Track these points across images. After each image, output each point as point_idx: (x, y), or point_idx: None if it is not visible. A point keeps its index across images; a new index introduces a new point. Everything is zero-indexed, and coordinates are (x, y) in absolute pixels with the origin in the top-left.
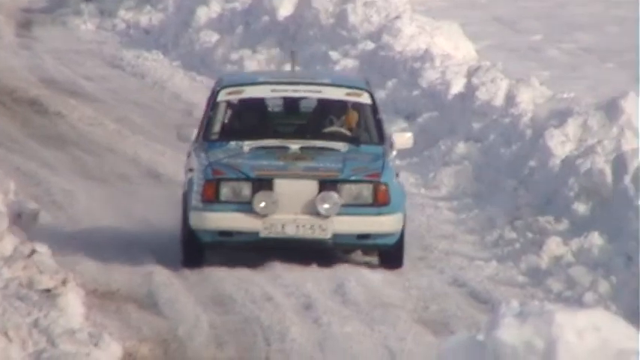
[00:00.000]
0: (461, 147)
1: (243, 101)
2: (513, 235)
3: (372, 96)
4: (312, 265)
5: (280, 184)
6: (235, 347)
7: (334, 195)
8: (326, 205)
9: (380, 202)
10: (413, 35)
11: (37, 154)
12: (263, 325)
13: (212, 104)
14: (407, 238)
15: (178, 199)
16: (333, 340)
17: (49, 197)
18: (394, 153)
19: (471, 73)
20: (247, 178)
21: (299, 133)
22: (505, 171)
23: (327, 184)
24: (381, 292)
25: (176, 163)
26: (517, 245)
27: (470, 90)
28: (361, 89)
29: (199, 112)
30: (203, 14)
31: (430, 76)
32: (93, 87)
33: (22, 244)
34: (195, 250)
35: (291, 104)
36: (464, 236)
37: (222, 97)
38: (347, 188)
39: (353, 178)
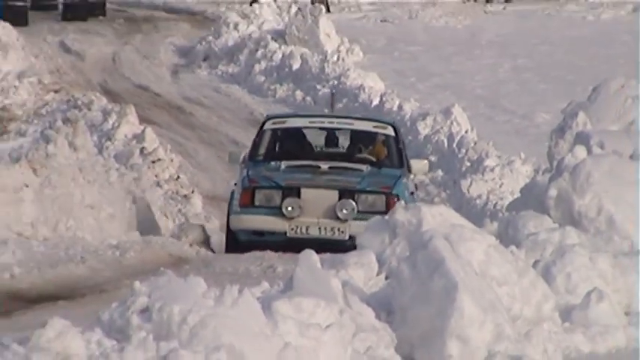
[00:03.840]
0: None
1: (284, 130)
2: None
3: (395, 129)
4: None
5: (306, 192)
6: None
7: (352, 202)
8: (345, 211)
9: (391, 210)
10: (355, 77)
11: (181, 132)
12: None
13: (258, 132)
14: None
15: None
16: None
17: (186, 152)
18: (412, 176)
19: (383, 95)
20: (278, 187)
21: (330, 157)
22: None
23: (346, 193)
24: None
25: (246, 138)
26: None
27: (385, 98)
28: (387, 123)
29: (257, 114)
30: (257, 67)
31: (362, 95)
32: (206, 101)
33: (172, 175)
34: (234, 247)
35: (326, 134)
36: None
37: (267, 126)
38: (363, 197)
39: (368, 188)
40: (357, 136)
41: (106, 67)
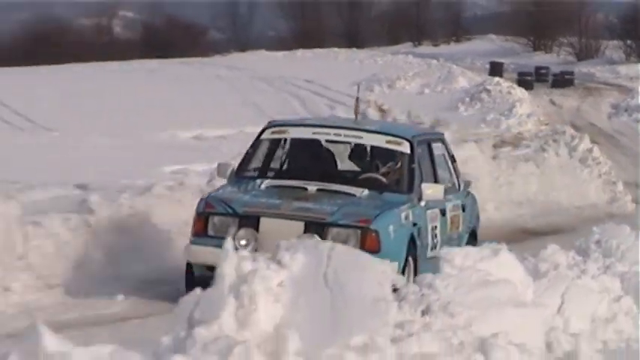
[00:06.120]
0: None
1: (282, 141)
2: None
3: (412, 146)
4: None
5: (266, 223)
6: None
7: (316, 238)
8: None
9: (368, 248)
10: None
11: (611, 149)
12: None
13: (254, 142)
14: None
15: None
16: None
17: (614, 159)
18: (422, 204)
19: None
20: (234, 214)
21: (326, 176)
22: None
23: (312, 226)
24: None
25: None
26: None
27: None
28: (402, 138)
29: None
30: None
31: None
32: (628, 132)
33: (606, 171)
34: (192, 282)
35: (347, 148)
36: None
37: (265, 135)
38: (333, 232)
39: (341, 222)
40: (371, 151)
41: (572, 113)
